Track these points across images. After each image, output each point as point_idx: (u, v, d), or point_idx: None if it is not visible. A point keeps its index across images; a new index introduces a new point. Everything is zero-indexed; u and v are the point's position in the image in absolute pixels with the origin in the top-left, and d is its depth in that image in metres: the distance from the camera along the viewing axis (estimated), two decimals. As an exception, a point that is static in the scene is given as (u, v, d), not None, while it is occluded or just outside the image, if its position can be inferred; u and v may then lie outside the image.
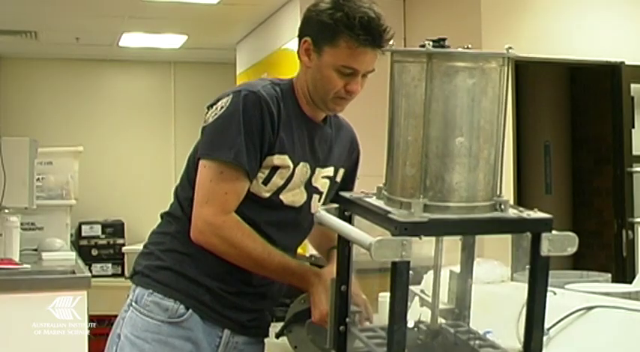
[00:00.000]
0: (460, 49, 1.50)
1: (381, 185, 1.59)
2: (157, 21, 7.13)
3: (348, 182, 2.25)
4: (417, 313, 1.74)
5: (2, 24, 7.11)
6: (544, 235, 1.48)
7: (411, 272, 1.43)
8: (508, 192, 4.85)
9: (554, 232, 1.49)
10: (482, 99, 1.49)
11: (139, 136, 8.92)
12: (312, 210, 2.12)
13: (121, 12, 6.78)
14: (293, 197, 2.07)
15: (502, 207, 1.52)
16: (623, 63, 5.33)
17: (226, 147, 1.95)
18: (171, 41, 7.97)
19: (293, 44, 6.08)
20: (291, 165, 2.04)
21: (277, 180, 2.03)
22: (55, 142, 6.24)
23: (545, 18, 5.22)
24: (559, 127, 6.99)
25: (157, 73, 9.13)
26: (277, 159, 2.01)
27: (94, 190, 8.06)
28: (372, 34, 1.94)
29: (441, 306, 1.68)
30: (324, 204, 2.16)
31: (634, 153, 5.45)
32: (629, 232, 5.34)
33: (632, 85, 5.44)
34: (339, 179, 2.20)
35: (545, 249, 1.48)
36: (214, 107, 2.01)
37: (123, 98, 9.03)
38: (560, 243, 1.49)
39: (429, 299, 1.70)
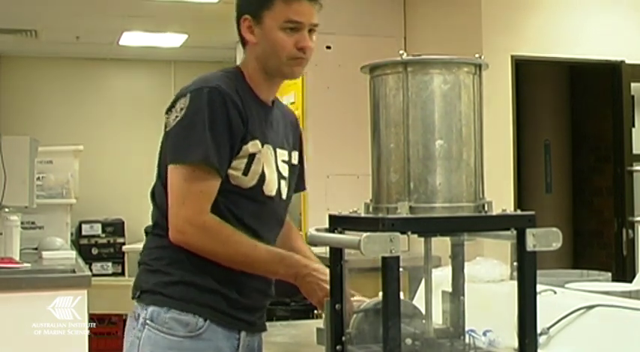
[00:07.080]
0: (433, 56, 1.57)
1: (368, 201, 1.63)
2: (158, 20, 7.13)
3: (300, 165, 2.29)
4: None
5: (2, 23, 7.11)
6: (528, 231, 1.50)
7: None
8: (508, 191, 4.84)
9: (538, 228, 1.51)
10: (457, 103, 1.54)
11: (139, 135, 8.91)
12: (283, 197, 2.15)
13: (122, 11, 6.78)
14: (269, 184, 2.09)
15: (486, 207, 1.55)
16: (623, 62, 5.34)
17: (194, 147, 1.95)
18: (172, 40, 7.97)
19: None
20: (260, 148, 2.05)
21: (256, 168, 2.04)
22: (55, 141, 6.23)
23: (546, 17, 5.22)
24: (559, 126, 6.99)
25: (157, 72, 9.13)
26: (252, 147, 2.03)
27: (94, 189, 8.06)
28: None
29: (435, 326, 1.69)
30: (288, 191, 2.18)
31: (634, 152, 5.46)
32: (630, 231, 5.34)
33: (633, 84, 5.44)
34: (295, 162, 2.24)
35: (530, 244, 1.50)
36: (174, 110, 2.01)
37: (123, 97, 9.04)
38: (545, 238, 1.51)
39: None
